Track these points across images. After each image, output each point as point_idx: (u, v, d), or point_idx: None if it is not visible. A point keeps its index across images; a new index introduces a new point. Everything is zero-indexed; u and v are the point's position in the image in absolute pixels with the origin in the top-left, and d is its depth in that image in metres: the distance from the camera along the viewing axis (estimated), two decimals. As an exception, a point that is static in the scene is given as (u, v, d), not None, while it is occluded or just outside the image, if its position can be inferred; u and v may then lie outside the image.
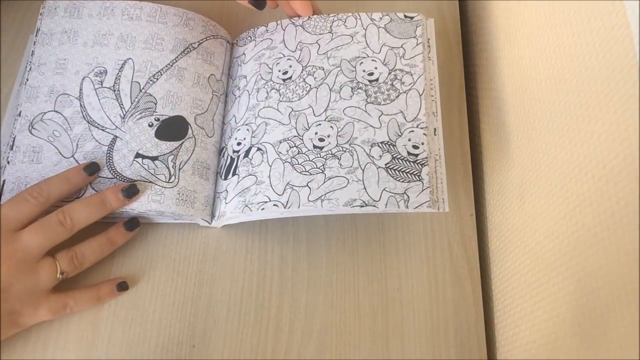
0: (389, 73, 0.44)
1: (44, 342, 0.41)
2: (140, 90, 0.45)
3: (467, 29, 0.57)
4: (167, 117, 0.45)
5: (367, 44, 0.46)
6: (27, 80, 0.46)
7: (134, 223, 0.44)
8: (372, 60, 0.45)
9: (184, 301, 0.43)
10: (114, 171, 0.43)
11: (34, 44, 0.47)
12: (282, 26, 0.49)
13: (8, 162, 0.43)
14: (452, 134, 0.50)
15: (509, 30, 0.45)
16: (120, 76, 0.45)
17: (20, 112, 0.44)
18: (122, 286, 0.43)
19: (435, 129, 0.43)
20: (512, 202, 0.42)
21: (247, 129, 0.45)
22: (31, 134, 0.44)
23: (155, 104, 0.45)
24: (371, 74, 0.44)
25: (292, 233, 0.45)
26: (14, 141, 0.44)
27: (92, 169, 0.42)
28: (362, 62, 0.45)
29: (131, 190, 0.41)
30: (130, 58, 0.46)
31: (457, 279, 0.44)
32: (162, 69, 0.46)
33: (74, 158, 0.43)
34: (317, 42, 0.47)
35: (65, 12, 0.48)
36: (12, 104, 0.47)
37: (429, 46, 0.47)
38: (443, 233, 0.46)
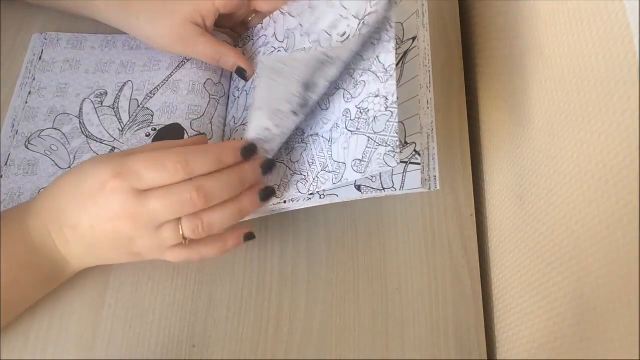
0: (358, 23, 0.39)
1: (44, 342, 0.41)
2: (139, 106, 0.46)
3: (467, 29, 0.57)
4: (162, 126, 0.45)
5: (341, 5, 0.42)
6: (27, 102, 0.47)
7: (269, 193, 0.39)
8: (345, 18, 0.41)
9: (184, 301, 0.43)
10: None
11: (35, 68, 0.48)
12: (273, 19, 0.48)
13: (1, 176, 0.43)
14: (452, 134, 0.50)
15: (509, 30, 0.45)
16: (119, 96, 0.47)
17: (18, 130, 0.45)
18: (249, 236, 0.40)
19: (428, 101, 0.40)
20: (512, 202, 0.42)
21: (244, 129, 0.45)
22: (27, 149, 0.45)
23: (152, 115, 0.46)
24: (343, 34, 0.40)
25: (292, 233, 0.45)
26: (8, 157, 0.44)
27: (250, 150, 0.38)
28: (336, 26, 0.41)
29: (270, 164, 0.39)
30: (129, 80, 0.47)
31: (457, 279, 0.44)
32: (158, 85, 0.47)
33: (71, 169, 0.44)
34: (299, 24, 0.45)
35: (67, 44, 0.50)
36: (12, 105, 0.47)
37: (423, 13, 0.43)
38: (443, 233, 0.46)
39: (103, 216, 0.36)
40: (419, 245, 0.45)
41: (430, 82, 0.41)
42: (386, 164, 0.36)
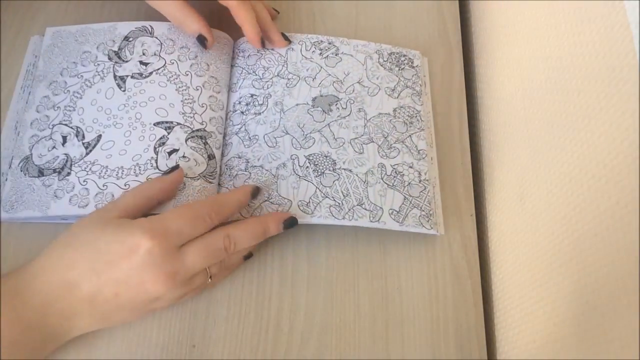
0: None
1: (44, 342, 0.41)
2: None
3: (467, 29, 0.57)
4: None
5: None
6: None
7: (293, 223, 0.42)
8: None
9: (184, 301, 0.43)
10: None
11: (32, 79, 0.47)
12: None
13: (6, 179, 0.43)
14: (452, 134, 0.50)
15: (509, 30, 0.45)
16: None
17: (20, 133, 0.44)
18: (248, 256, 0.43)
19: (432, 157, 0.47)
20: (512, 202, 0.42)
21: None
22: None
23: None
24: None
25: (291, 233, 0.45)
26: (11, 160, 0.43)
27: (256, 192, 0.42)
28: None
29: (292, 222, 0.42)
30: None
31: (457, 279, 0.44)
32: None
33: None
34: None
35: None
36: (13, 108, 0.46)
37: (422, 83, 0.49)
38: (443, 233, 0.46)
39: (133, 281, 0.35)
40: (419, 245, 0.45)
41: (432, 142, 0.48)
42: (421, 224, 0.43)
